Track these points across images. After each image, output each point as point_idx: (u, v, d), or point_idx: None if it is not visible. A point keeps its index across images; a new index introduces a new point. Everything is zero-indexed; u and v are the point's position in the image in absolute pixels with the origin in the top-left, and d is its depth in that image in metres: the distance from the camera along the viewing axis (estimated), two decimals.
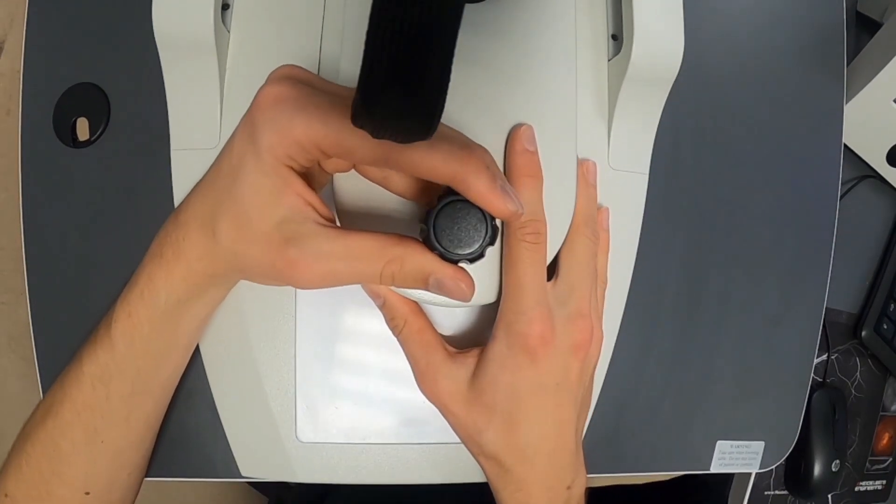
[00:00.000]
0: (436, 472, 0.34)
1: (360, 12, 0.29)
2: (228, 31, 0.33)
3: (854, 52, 0.46)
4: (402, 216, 0.28)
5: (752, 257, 0.39)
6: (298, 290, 0.32)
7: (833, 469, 0.46)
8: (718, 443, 0.38)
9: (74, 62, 0.35)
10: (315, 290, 0.29)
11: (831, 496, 0.51)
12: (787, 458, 0.40)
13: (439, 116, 0.18)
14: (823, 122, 0.41)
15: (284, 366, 0.33)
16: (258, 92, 0.24)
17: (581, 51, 0.33)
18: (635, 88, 0.32)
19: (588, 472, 0.31)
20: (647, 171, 0.35)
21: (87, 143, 0.34)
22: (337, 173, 0.27)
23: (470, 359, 0.29)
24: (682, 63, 0.31)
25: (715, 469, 0.38)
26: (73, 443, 0.28)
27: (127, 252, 0.32)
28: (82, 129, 0.34)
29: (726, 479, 0.48)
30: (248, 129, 0.24)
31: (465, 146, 0.24)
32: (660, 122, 0.35)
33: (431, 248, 0.25)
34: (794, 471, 0.47)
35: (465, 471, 0.34)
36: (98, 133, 0.34)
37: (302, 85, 0.24)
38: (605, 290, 0.33)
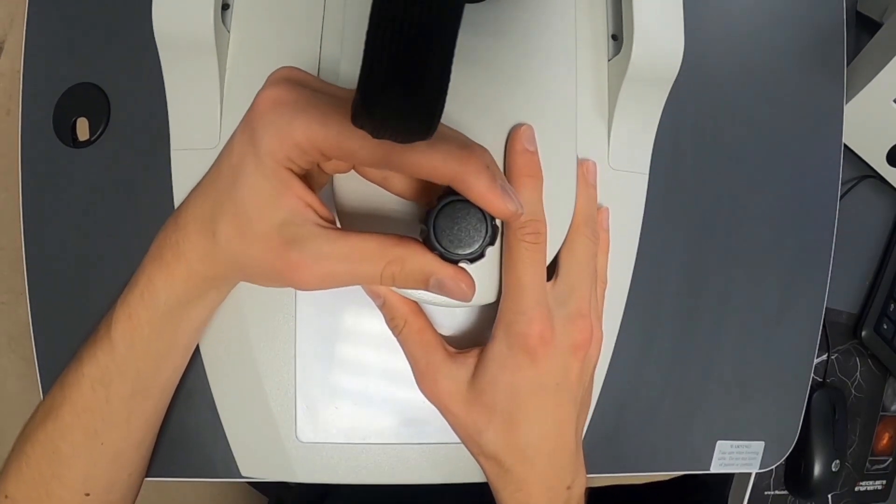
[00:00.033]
0: (436, 472, 0.34)
1: (360, 12, 0.29)
2: (228, 32, 0.33)
3: (854, 52, 0.46)
4: (402, 217, 0.28)
5: (752, 257, 0.39)
6: (298, 291, 0.32)
7: (833, 469, 0.46)
8: (718, 443, 0.38)
9: (74, 62, 0.35)
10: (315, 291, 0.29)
11: (831, 496, 0.51)
12: (787, 458, 0.40)
13: (439, 116, 0.18)
14: (823, 122, 0.41)
15: (284, 366, 0.33)
16: (257, 95, 0.24)
17: (581, 51, 0.33)
18: (635, 88, 0.32)
19: (588, 472, 0.31)
20: (647, 171, 0.35)
21: (87, 143, 0.34)
22: (336, 174, 0.27)
23: (470, 359, 0.29)
24: (682, 63, 0.31)
25: (715, 469, 0.38)
26: (73, 445, 0.28)
27: (127, 252, 0.32)
28: (82, 129, 0.34)
29: (726, 479, 0.48)
30: (248, 132, 0.24)
31: (465, 146, 0.24)
32: (660, 122, 0.35)
33: (431, 249, 0.25)
34: (794, 471, 0.47)
35: (465, 471, 0.34)
36: (98, 133, 0.34)
37: (301, 87, 0.24)
38: (605, 290, 0.33)
